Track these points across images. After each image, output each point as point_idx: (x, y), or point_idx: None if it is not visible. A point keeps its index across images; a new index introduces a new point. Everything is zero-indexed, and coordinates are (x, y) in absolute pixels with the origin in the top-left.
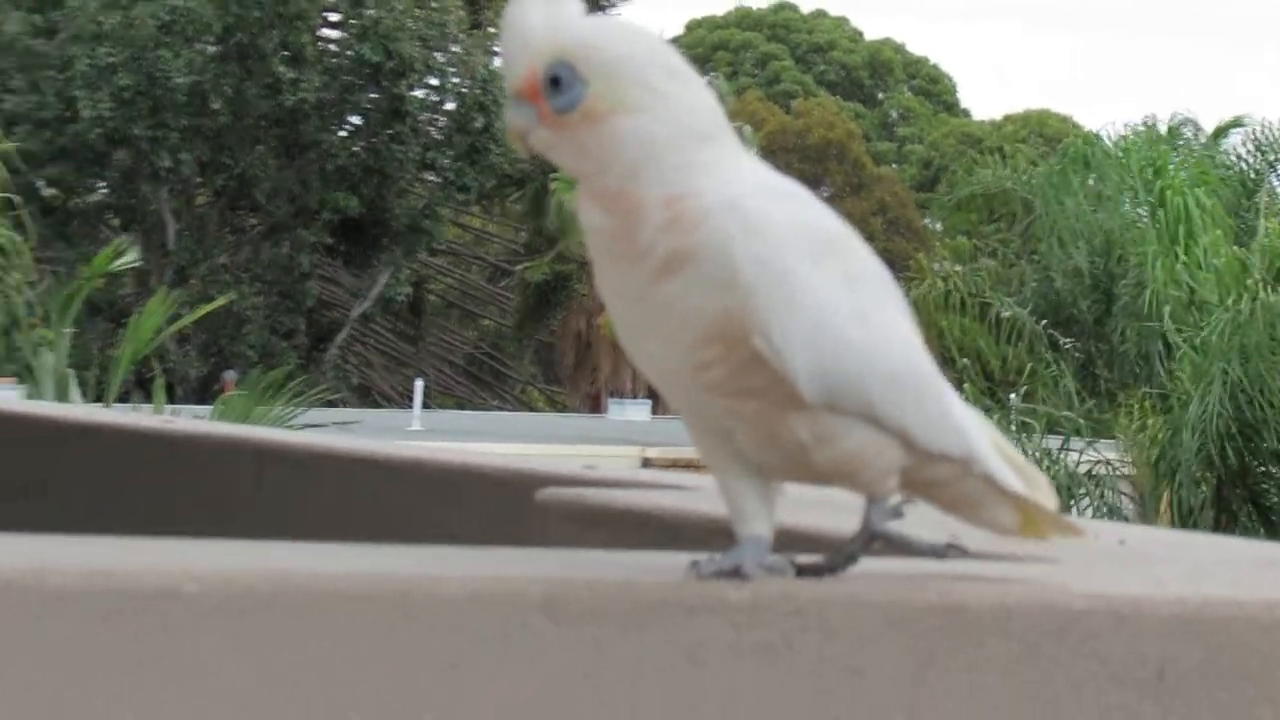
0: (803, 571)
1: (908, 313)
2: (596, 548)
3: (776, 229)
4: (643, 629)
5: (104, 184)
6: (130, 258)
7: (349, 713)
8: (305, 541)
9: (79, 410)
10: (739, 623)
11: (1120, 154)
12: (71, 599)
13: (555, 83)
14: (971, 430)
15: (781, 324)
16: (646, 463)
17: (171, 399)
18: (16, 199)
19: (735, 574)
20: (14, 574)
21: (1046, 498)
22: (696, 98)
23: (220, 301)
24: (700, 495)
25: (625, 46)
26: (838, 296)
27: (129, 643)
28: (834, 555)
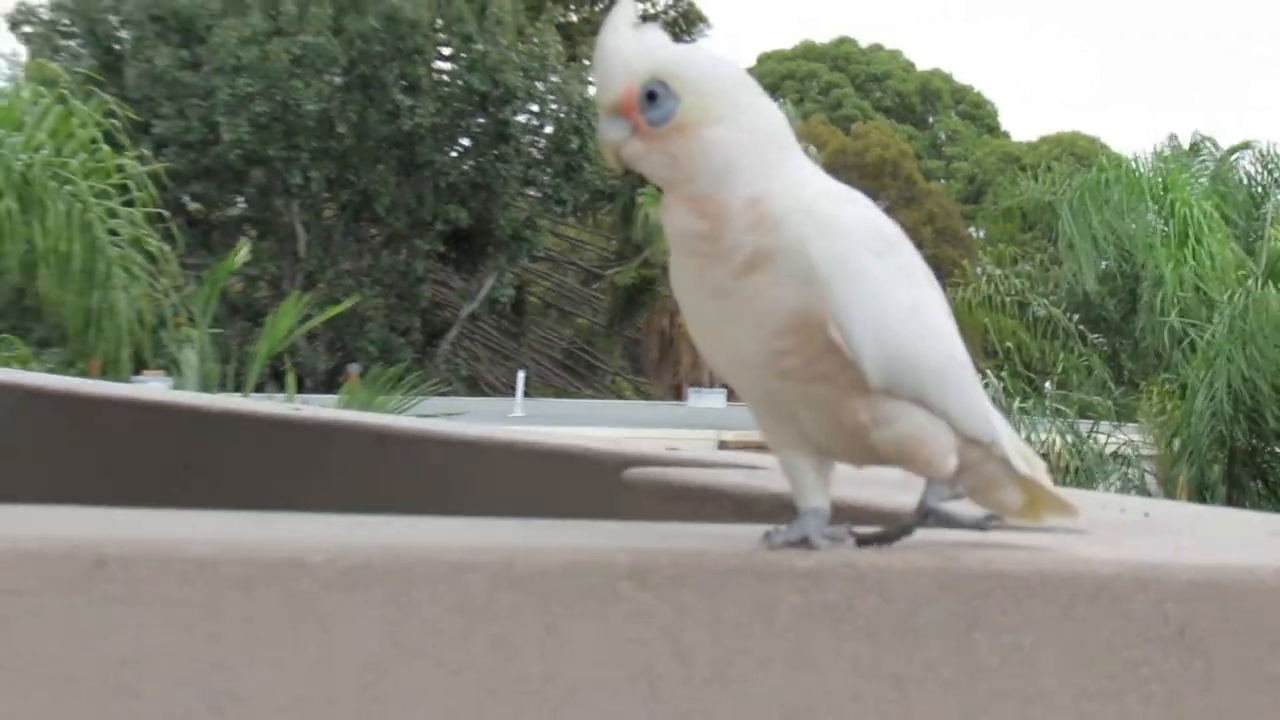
0: (862, 541)
1: (946, 306)
2: (678, 521)
3: (846, 230)
4: (720, 593)
5: (242, 199)
6: (244, 255)
7: (463, 671)
8: (418, 515)
9: (219, 399)
10: (805, 587)
11: (1138, 171)
12: (209, 567)
13: (651, 98)
14: (995, 418)
15: (853, 316)
16: (722, 445)
17: (301, 390)
18: (165, 213)
19: (803, 544)
20: (158, 545)
21: (1045, 479)
22: (769, 109)
23: (345, 304)
24: (769, 474)
25: (710, 66)
26: (898, 291)
27: (259, 607)
28: (891, 528)
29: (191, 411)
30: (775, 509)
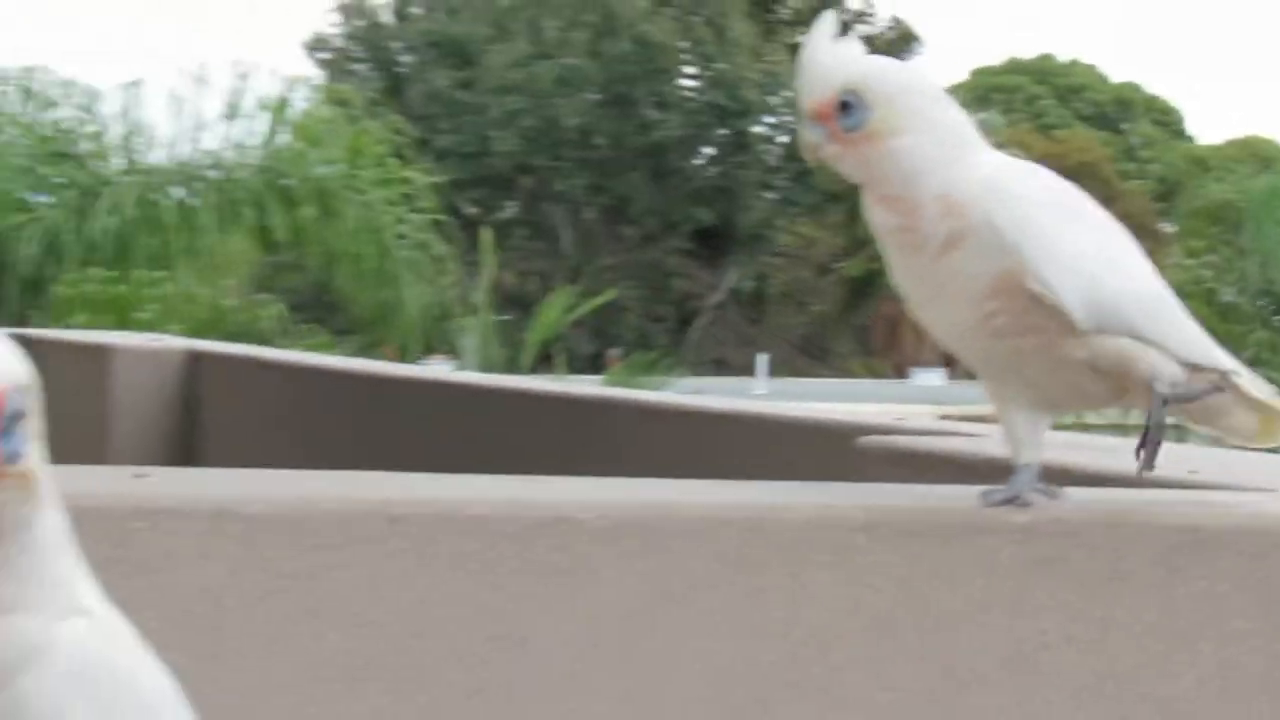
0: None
1: (1141, 252)
2: (906, 483)
3: (1027, 197)
4: (945, 546)
5: (513, 204)
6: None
7: (716, 616)
8: (675, 479)
9: (499, 379)
10: (1021, 540)
11: None
12: (490, 523)
13: (845, 108)
14: (1216, 346)
15: (1048, 267)
16: (942, 419)
17: (570, 371)
18: (445, 218)
19: (1016, 500)
20: (444, 504)
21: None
22: (953, 116)
23: (606, 296)
24: (987, 440)
25: (901, 81)
26: (1085, 239)
27: (534, 559)
28: (1149, 421)
29: (474, 389)
30: (994, 472)
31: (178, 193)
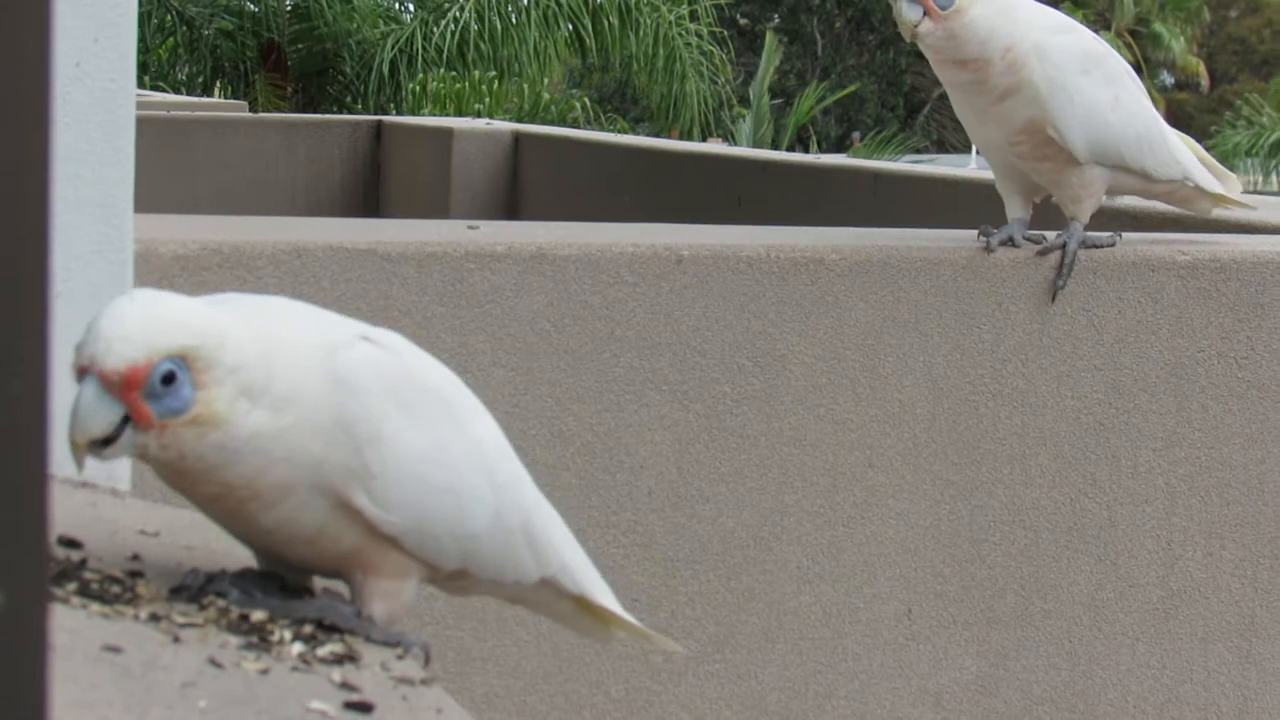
0: (1041, 251)
1: (1143, 90)
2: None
3: (1059, 57)
4: (1121, 280)
5: (777, 16)
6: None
7: (933, 337)
8: (903, 228)
9: (762, 152)
10: (1184, 275)
11: None
12: (757, 263)
13: None
14: (1186, 158)
15: (1066, 121)
16: None
17: (820, 150)
18: (721, 30)
19: (1009, 241)
20: (719, 248)
21: (1234, 187)
22: None
23: (849, 89)
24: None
25: None
26: (1100, 93)
27: (791, 292)
28: (1056, 242)
29: (743, 160)
30: (1160, 222)
31: (508, 7)
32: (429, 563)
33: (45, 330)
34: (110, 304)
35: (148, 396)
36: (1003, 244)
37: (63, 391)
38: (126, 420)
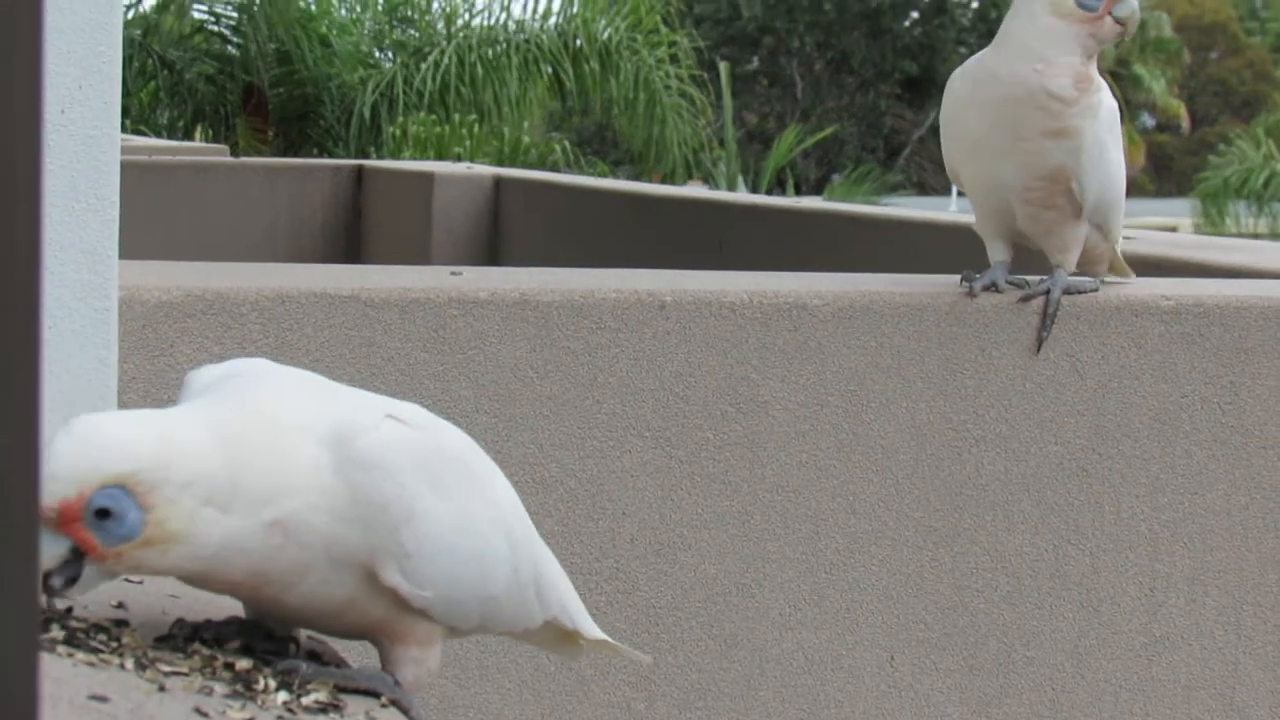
0: (1024, 298)
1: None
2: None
3: (1106, 115)
4: (1104, 325)
5: (756, 59)
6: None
7: (916, 382)
8: (886, 273)
9: (741, 195)
10: (1168, 320)
11: None
12: (739, 309)
13: None
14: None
15: (1091, 177)
16: None
17: (798, 191)
18: (701, 73)
19: (993, 287)
20: (701, 294)
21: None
22: None
23: (828, 131)
24: (1138, 240)
25: None
26: (1112, 155)
27: (774, 337)
28: (1039, 288)
29: (723, 204)
30: (1145, 267)
31: (488, 51)
32: (453, 626)
33: (35, 382)
34: (52, 437)
35: (90, 528)
36: (986, 289)
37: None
38: (77, 551)
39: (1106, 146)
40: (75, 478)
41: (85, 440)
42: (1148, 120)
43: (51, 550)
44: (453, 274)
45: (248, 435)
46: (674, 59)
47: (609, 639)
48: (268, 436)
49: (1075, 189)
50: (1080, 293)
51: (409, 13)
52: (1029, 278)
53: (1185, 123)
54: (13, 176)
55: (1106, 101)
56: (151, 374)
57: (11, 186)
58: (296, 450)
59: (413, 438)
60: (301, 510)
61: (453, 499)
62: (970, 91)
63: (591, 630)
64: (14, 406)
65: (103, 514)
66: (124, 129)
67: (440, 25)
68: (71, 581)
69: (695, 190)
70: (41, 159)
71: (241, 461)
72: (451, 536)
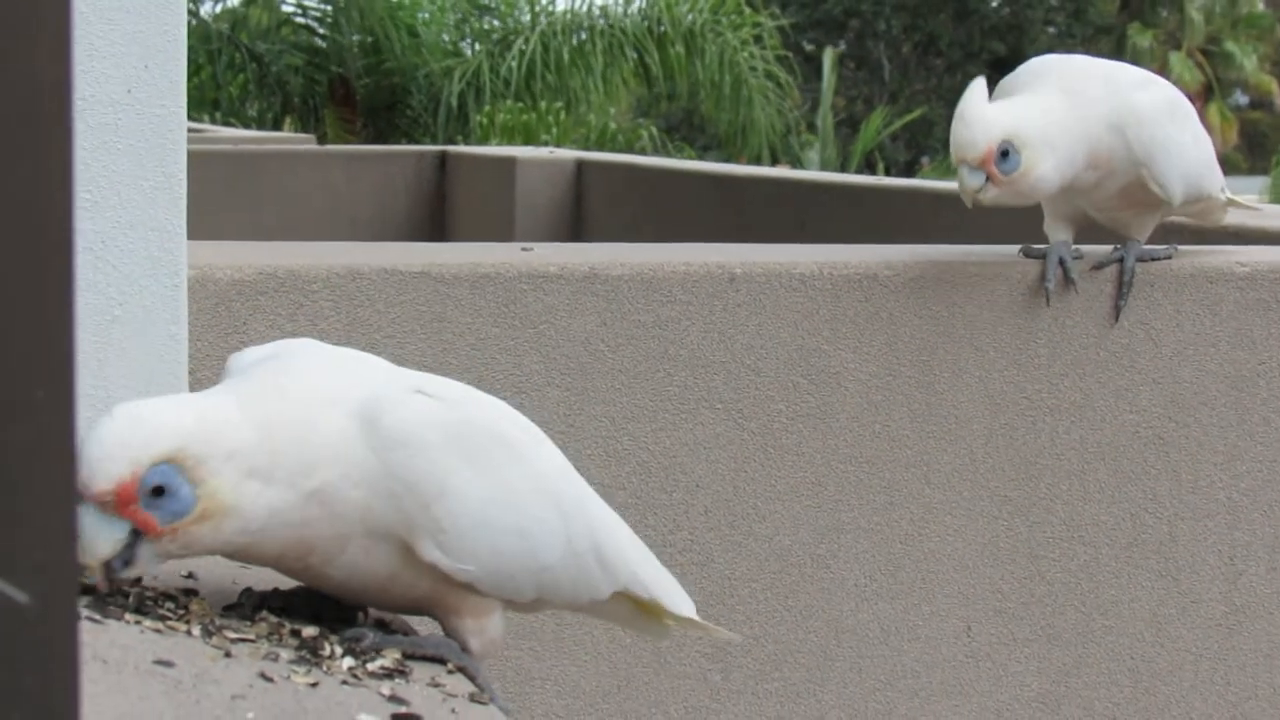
0: (1096, 266)
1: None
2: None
3: (1153, 114)
4: (1178, 292)
5: (843, 41)
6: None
7: (988, 352)
8: (959, 244)
9: (823, 175)
10: (1243, 286)
11: None
12: (810, 280)
13: (1004, 155)
14: (1220, 181)
15: (1168, 174)
16: None
17: (888, 175)
18: (788, 54)
19: (1062, 262)
20: (773, 265)
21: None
22: (1058, 99)
23: (916, 113)
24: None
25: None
26: (1185, 137)
27: (844, 309)
28: (1114, 256)
29: (805, 183)
30: (1227, 237)
31: (573, 38)
32: (506, 599)
33: (69, 338)
34: (92, 426)
35: (147, 507)
36: (1061, 267)
37: (85, 401)
38: (137, 533)
39: (1171, 140)
40: (128, 457)
41: (130, 422)
42: (1240, 98)
43: (112, 534)
44: (524, 249)
45: (280, 410)
46: (758, 40)
47: (696, 617)
48: (296, 410)
49: (1157, 190)
50: (1154, 260)
51: (490, 2)
52: (1100, 248)
53: (1278, 99)
54: (42, 137)
55: (1144, 99)
56: (224, 352)
57: (42, 147)
58: (325, 423)
59: (442, 412)
60: (336, 481)
61: (489, 472)
62: None
63: (677, 605)
64: (50, 364)
65: (158, 492)
66: (213, 121)
67: (525, 16)
68: (127, 564)
69: (777, 170)
70: (71, 117)
71: (276, 435)
72: (490, 510)
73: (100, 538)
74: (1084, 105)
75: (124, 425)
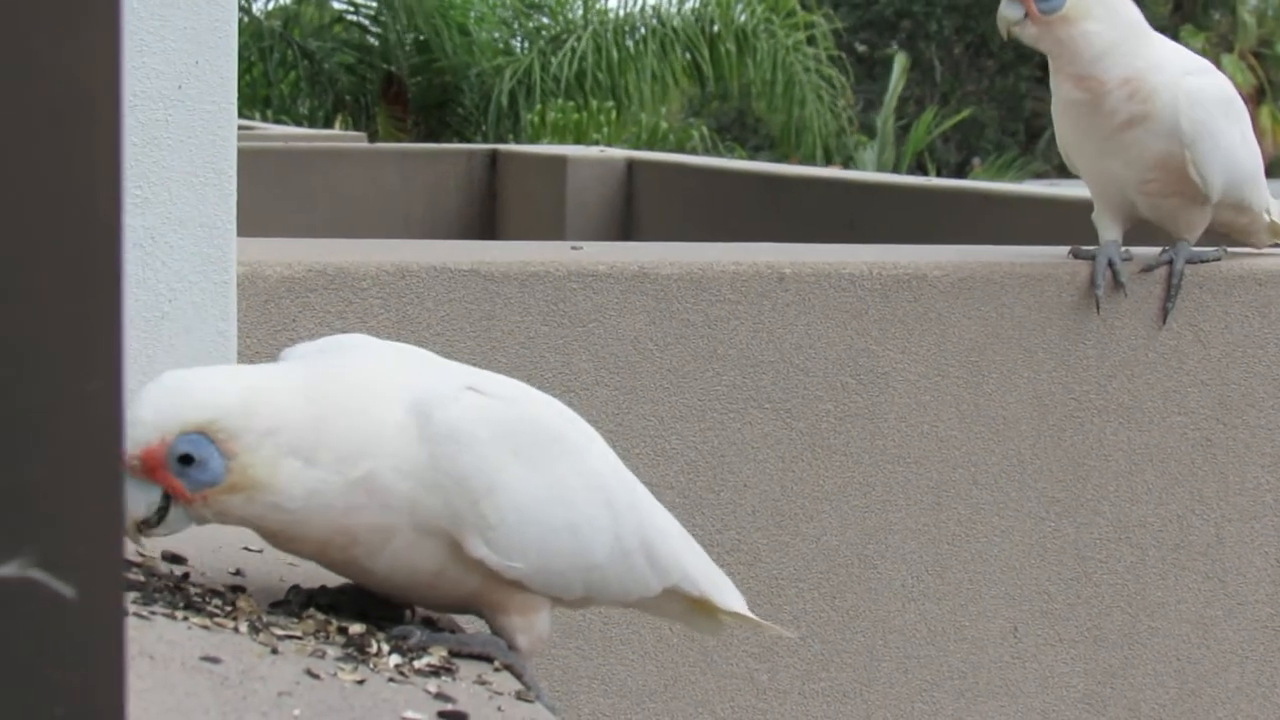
0: (1145, 269)
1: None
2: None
3: (1205, 100)
4: (1227, 294)
5: (895, 43)
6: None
7: (1037, 353)
8: (1010, 245)
9: (872, 175)
10: (1265, 285)
11: None
12: (859, 280)
13: None
14: (1266, 194)
15: (1210, 163)
16: None
17: (939, 176)
18: (841, 54)
19: (1110, 262)
20: (822, 265)
21: None
22: (1134, 10)
23: (965, 114)
24: None
25: None
26: (1235, 133)
27: (893, 309)
28: (1163, 259)
29: (854, 184)
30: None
31: (625, 38)
32: (554, 596)
33: (118, 330)
34: (139, 389)
35: (176, 474)
36: (1110, 269)
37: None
38: (169, 497)
39: (1220, 132)
40: (157, 424)
41: (171, 390)
42: None
43: (145, 497)
44: (573, 248)
45: (335, 394)
46: (810, 40)
47: (748, 613)
48: (355, 398)
49: (1196, 178)
50: (1203, 261)
51: (541, 1)
52: (1149, 250)
53: None
54: (92, 130)
55: (1202, 84)
56: (274, 349)
57: (91, 140)
58: (383, 413)
59: (494, 409)
60: (385, 471)
61: (541, 470)
62: (1055, 100)
63: (728, 601)
64: (101, 355)
65: (186, 460)
66: (265, 118)
67: (579, 13)
68: (159, 520)
69: (826, 170)
70: (121, 111)
71: (327, 418)
72: (540, 507)
73: (133, 500)
74: (1150, 34)
75: (163, 393)
